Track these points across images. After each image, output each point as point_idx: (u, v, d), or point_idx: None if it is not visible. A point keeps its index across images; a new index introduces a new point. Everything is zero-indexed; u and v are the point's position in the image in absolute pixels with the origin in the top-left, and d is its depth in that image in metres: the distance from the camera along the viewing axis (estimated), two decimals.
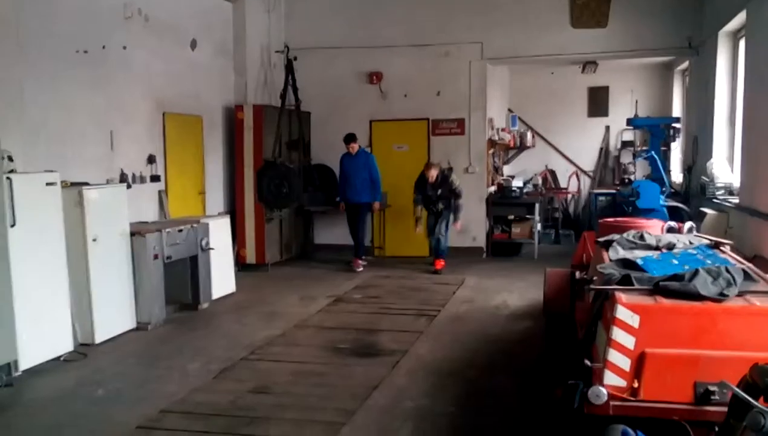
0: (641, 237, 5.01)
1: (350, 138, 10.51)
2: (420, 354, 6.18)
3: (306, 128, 11.51)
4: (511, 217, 11.58)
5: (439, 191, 10.11)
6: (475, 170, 11.46)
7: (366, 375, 5.58)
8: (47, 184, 6.02)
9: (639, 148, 13.01)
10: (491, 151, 12.19)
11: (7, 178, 5.53)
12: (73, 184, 6.48)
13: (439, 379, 5.49)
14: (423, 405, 4.92)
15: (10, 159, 5.84)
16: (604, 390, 3.32)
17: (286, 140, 10.74)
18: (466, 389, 5.28)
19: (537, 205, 11.54)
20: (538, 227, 11.69)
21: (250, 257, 10.36)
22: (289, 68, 10.87)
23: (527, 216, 11.46)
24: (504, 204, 11.66)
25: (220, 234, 8.47)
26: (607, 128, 14.31)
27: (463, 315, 7.64)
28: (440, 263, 10.22)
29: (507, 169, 13.99)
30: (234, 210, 10.34)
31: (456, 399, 5.05)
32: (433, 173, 10.03)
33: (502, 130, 12.79)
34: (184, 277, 7.86)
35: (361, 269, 10.35)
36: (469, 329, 7.05)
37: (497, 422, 4.64)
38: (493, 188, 12.10)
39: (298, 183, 10.49)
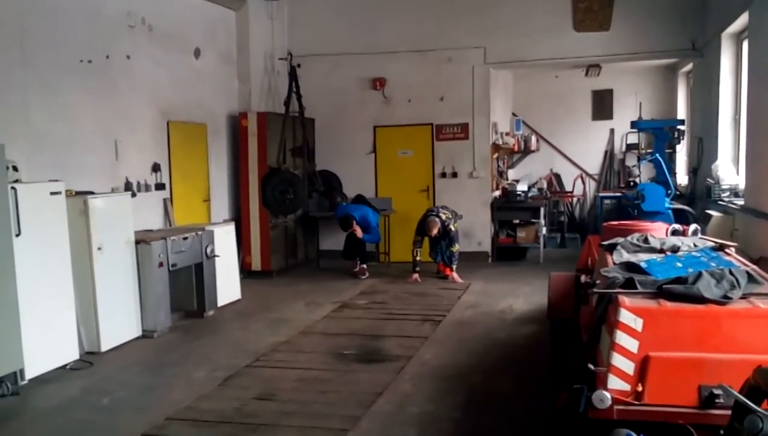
0: (645, 240, 5.00)
1: (346, 224, 10.42)
2: (425, 360, 6.17)
3: (310, 135, 11.53)
4: (516, 221, 11.56)
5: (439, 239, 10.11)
6: (479, 175, 11.46)
7: (371, 381, 5.57)
8: (52, 193, 6.04)
9: (644, 151, 12.97)
10: (495, 155, 12.19)
11: (12, 187, 5.55)
12: (77, 193, 6.52)
13: (444, 384, 5.48)
14: (428, 411, 4.92)
15: (15, 169, 5.88)
16: (608, 394, 3.31)
17: (291, 147, 10.76)
18: (471, 394, 5.27)
19: (542, 209, 11.51)
20: (544, 230, 11.66)
21: (256, 263, 10.37)
22: (293, 75, 10.90)
23: (532, 220, 11.43)
24: (509, 208, 11.64)
25: (225, 241, 8.49)
26: (612, 131, 14.28)
27: (468, 320, 7.63)
28: (447, 271, 10.12)
29: (512, 174, 13.97)
30: (239, 217, 10.36)
31: (461, 404, 5.04)
32: (434, 231, 9.87)
33: (506, 134, 12.77)
34: (189, 284, 7.89)
35: (366, 275, 10.34)
36: (475, 333, 7.04)
37: (502, 427, 4.63)
38: (497, 193, 12.09)
39: (303, 189, 10.52)
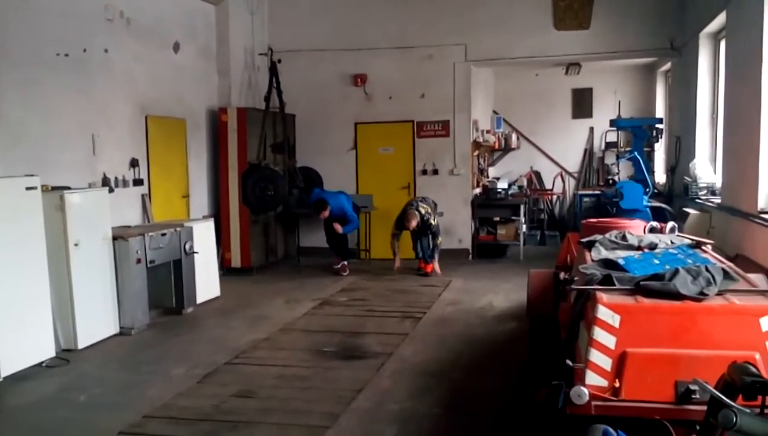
0: (623, 237, 5.04)
1: (320, 206, 10.30)
2: (405, 356, 6.18)
3: (291, 131, 11.48)
4: (497, 218, 11.60)
5: (420, 233, 10.24)
6: (460, 172, 11.48)
7: (351, 378, 5.57)
8: (27, 188, 5.95)
9: (623, 150, 13.08)
10: (476, 153, 12.22)
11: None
12: (54, 188, 6.42)
13: (424, 381, 5.49)
14: (408, 407, 4.92)
15: None
16: (585, 390, 3.33)
17: (271, 143, 10.70)
18: (452, 391, 5.28)
19: (522, 207, 11.57)
20: (524, 228, 11.73)
21: (235, 260, 10.31)
22: (273, 71, 10.83)
23: (512, 218, 11.48)
24: (489, 206, 11.68)
25: (204, 238, 8.43)
26: (591, 129, 14.38)
27: (448, 317, 7.65)
28: (428, 267, 10.19)
29: (492, 171, 14.03)
30: (218, 213, 10.29)
31: (441, 401, 5.05)
32: (413, 224, 9.93)
33: (487, 132, 12.81)
34: (167, 281, 7.81)
35: (347, 272, 10.31)
36: (455, 330, 7.06)
37: (482, 423, 4.65)
38: (478, 190, 12.13)
39: (283, 186, 10.45)
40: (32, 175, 6.08)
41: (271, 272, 10.55)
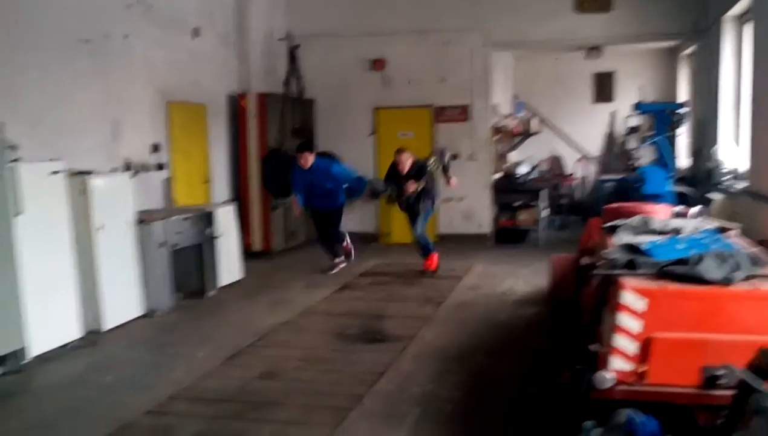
0: (647, 222, 5.01)
1: (303, 147, 9.03)
2: (427, 340, 6.20)
3: (310, 116, 11.49)
4: (517, 204, 11.55)
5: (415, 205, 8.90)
6: (479, 157, 11.43)
7: (373, 361, 5.60)
8: (52, 172, 6.03)
9: (645, 134, 12.96)
10: (496, 137, 12.16)
11: (12, 167, 5.54)
12: (77, 173, 6.50)
13: (446, 364, 5.51)
14: (430, 390, 4.95)
15: (13, 149, 5.85)
16: (609, 375, 3.34)
17: (291, 128, 10.72)
18: (473, 375, 5.29)
19: (543, 192, 11.51)
20: (544, 213, 11.68)
21: (257, 244, 10.38)
22: (292, 56, 10.84)
23: (533, 203, 11.43)
24: (510, 191, 11.64)
25: (225, 222, 8.49)
26: (613, 114, 14.26)
27: (469, 301, 7.66)
28: (432, 261, 9.07)
29: (512, 156, 13.96)
30: (239, 198, 10.35)
31: (463, 384, 5.07)
32: (406, 161, 8.75)
33: (507, 116, 12.74)
34: (190, 265, 7.88)
35: (336, 270, 9.20)
36: (476, 315, 7.07)
37: (503, 406, 4.66)
38: (498, 175, 12.08)
39: None
40: (56, 160, 6.15)
41: (291, 256, 10.61)
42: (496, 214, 11.58)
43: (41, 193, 5.91)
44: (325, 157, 9.67)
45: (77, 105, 7.35)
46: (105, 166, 7.53)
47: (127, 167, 7.97)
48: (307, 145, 9.25)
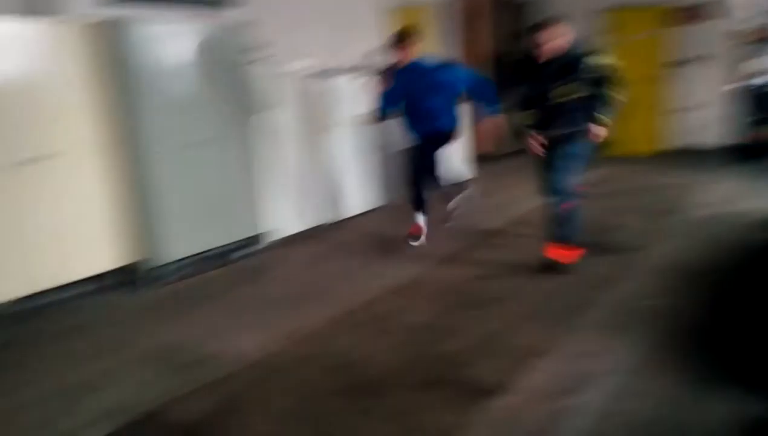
0: None
1: (401, 38, 6.02)
2: (659, 254, 6.01)
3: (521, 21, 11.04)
4: (758, 117, 10.35)
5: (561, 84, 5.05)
6: (714, 63, 10.44)
7: (601, 273, 5.55)
8: (291, 72, 6.70)
9: None
10: (734, 42, 10.88)
11: (264, 66, 6.22)
12: (316, 73, 7.04)
13: (678, 280, 5.34)
14: (660, 304, 4.85)
15: (262, 50, 6.40)
16: None
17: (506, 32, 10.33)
18: (707, 292, 5.06)
19: None
20: None
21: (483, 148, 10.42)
22: None
23: None
24: (753, 102, 10.43)
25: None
26: None
27: (704, 219, 7.22)
28: (560, 251, 5.53)
29: (754, 64, 12.40)
30: None
31: (696, 301, 4.90)
32: (555, 39, 4.97)
33: (750, 19, 11.27)
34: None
35: (418, 242, 6.39)
36: (711, 233, 6.65)
37: (739, 323, 4.43)
38: (736, 84, 10.87)
39: None
40: (301, 60, 6.78)
41: (516, 160, 10.53)
42: (736, 126, 10.51)
43: (286, 91, 6.64)
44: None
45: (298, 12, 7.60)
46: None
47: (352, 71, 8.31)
48: (404, 35, 6.06)
